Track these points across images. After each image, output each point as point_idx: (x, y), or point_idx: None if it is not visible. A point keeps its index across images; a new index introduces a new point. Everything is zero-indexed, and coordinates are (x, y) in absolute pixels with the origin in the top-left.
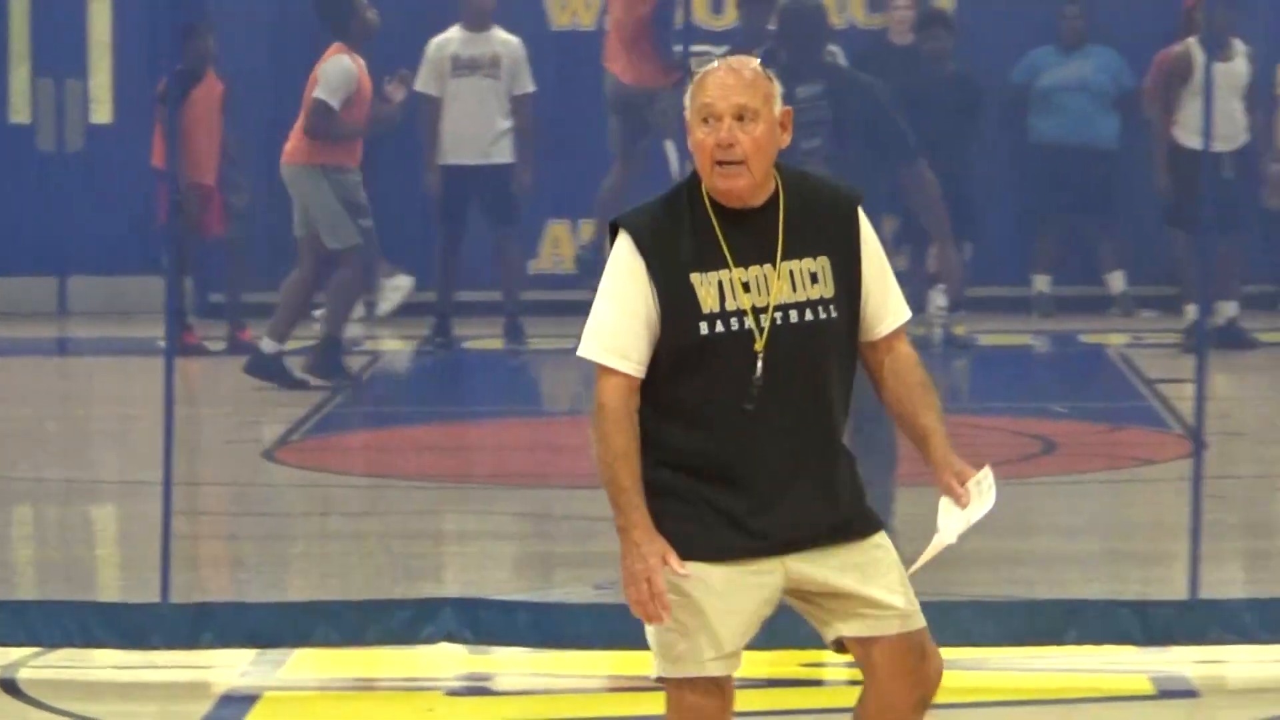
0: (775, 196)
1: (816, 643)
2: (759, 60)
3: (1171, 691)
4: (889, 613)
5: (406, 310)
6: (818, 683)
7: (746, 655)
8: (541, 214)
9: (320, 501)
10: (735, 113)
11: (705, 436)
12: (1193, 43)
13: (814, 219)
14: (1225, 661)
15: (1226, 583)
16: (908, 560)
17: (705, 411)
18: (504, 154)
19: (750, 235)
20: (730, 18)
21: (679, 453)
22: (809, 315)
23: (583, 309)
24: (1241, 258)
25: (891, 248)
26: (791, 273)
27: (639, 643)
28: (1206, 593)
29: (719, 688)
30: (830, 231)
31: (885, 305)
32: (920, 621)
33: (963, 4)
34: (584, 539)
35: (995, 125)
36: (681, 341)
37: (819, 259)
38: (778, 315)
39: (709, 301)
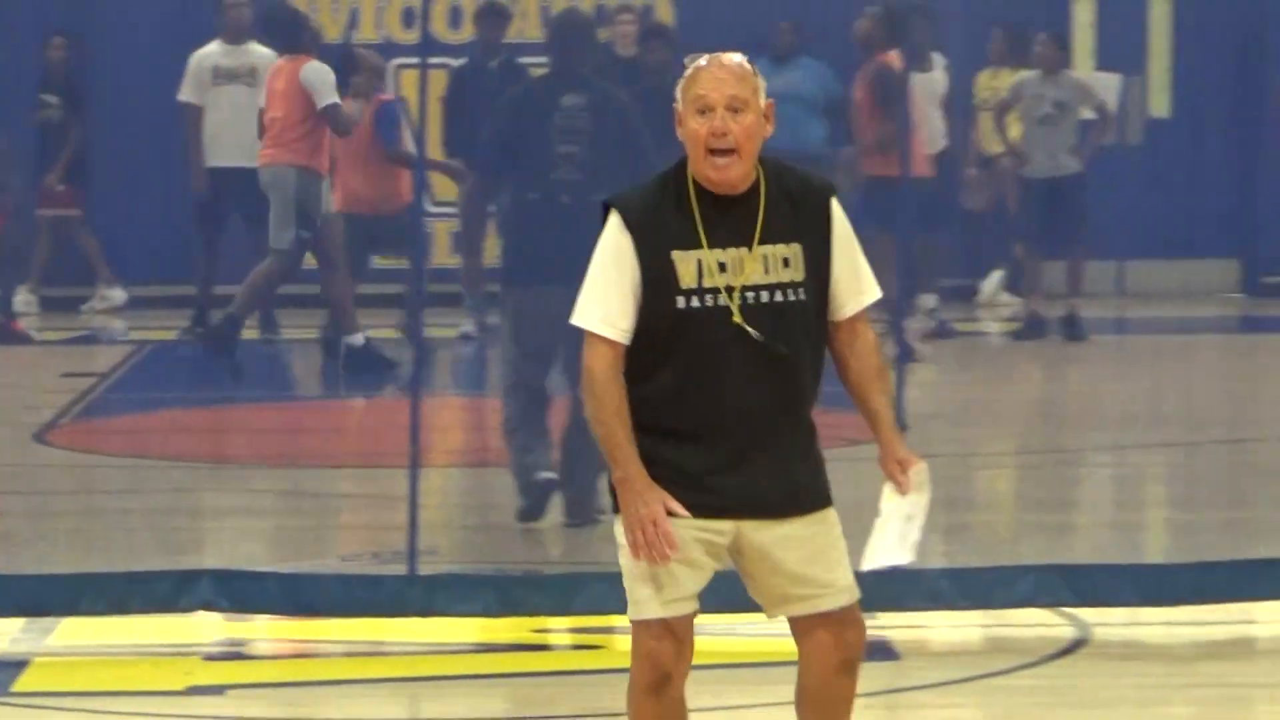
0: (756, 184)
1: (549, 609)
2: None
3: (875, 654)
4: (823, 590)
5: (167, 302)
6: (545, 647)
7: (482, 622)
8: None
9: (86, 480)
10: (728, 103)
11: (676, 402)
12: (895, 55)
13: (790, 207)
14: (925, 626)
15: (926, 553)
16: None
17: (678, 379)
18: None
19: (731, 219)
20: (468, 32)
21: (649, 415)
22: (778, 296)
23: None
24: (941, 254)
25: None
26: (765, 256)
27: (381, 610)
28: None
29: (672, 633)
30: (804, 219)
31: (851, 288)
32: (849, 597)
33: (682, 18)
34: (331, 514)
35: None
36: (661, 314)
37: (792, 245)
38: (749, 294)
39: (687, 278)
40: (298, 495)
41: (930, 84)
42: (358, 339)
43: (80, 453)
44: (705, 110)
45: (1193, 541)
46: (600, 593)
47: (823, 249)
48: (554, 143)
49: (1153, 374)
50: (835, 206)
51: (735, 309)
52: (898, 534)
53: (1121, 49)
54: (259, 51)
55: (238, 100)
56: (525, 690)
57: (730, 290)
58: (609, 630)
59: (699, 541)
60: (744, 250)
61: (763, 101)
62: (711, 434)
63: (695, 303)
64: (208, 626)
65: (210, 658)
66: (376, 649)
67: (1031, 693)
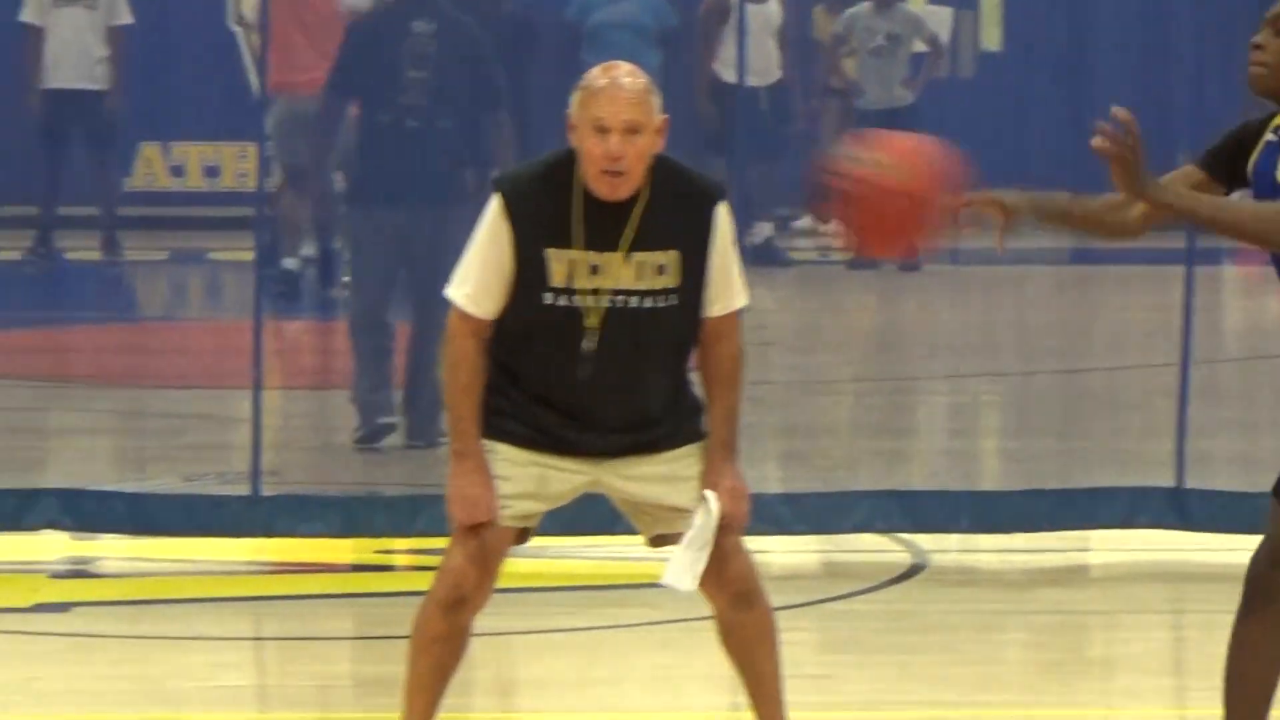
0: (641, 189)
1: (391, 530)
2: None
3: None
4: (683, 516)
5: (11, 223)
6: (387, 568)
7: (325, 543)
8: (135, 136)
9: None
10: (625, 127)
11: (538, 381)
12: None
13: (672, 213)
14: (764, 551)
15: (764, 479)
16: None
17: (540, 368)
18: (101, 80)
19: (612, 222)
20: None
21: (513, 382)
22: (648, 303)
23: (174, 223)
24: (776, 183)
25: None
26: (639, 262)
27: (225, 530)
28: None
29: (484, 559)
30: (685, 226)
31: (720, 292)
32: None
33: None
34: (175, 434)
35: (551, 61)
36: (528, 304)
37: (669, 251)
38: (618, 299)
39: (559, 276)
40: (141, 415)
41: (765, 15)
42: (291, 263)
43: None
44: (602, 131)
45: (1026, 469)
46: (441, 514)
47: (702, 255)
48: (404, 68)
49: (986, 304)
50: (721, 213)
51: (598, 313)
52: (691, 560)
53: None
54: None
55: (79, 22)
56: (367, 610)
57: (598, 293)
58: None
59: (548, 479)
60: (619, 254)
61: (657, 120)
62: (569, 409)
63: (563, 300)
64: (53, 544)
65: (56, 575)
66: (220, 568)
67: (869, 618)
